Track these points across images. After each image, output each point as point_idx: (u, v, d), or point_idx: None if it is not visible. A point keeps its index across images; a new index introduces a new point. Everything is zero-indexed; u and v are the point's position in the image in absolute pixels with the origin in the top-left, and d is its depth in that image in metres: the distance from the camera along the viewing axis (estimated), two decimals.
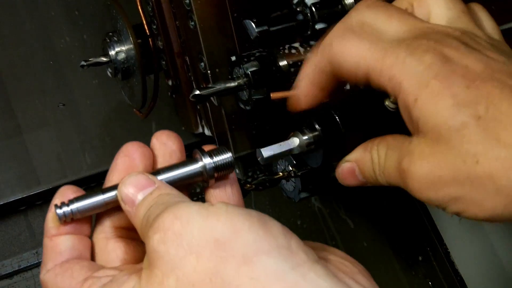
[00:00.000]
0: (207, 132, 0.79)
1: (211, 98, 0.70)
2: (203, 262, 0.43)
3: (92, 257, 0.52)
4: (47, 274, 0.49)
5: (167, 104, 0.91)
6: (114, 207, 0.51)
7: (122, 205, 0.49)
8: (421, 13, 0.53)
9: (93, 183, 0.91)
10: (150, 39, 0.76)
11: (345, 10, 0.64)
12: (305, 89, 0.56)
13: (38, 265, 0.89)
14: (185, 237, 0.43)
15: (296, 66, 0.64)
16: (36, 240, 0.90)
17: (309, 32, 0.66)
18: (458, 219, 0.91)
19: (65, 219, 0.50)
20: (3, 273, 0.87)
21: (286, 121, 0.60)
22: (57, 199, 0.51)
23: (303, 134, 0.57)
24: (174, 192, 0.49)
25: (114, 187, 0.50)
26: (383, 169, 0.52)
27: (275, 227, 0.45)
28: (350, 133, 0.56)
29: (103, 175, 0.54)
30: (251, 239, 0.43)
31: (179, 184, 0.51)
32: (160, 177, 0.51)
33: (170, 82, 0.79)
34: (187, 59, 0.74)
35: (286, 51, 0.65)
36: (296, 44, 0.66)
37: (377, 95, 0.53)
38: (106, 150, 0.91)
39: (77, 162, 0.90)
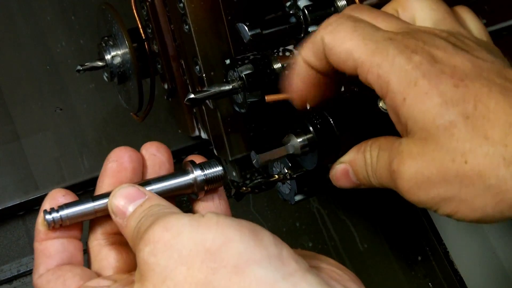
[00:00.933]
0: (203, 135, 0.79)
1: (207, 101, 0.70)
2: (194, 272, 0.43)
3: (89, 263, 0.52)
4: (39, 279, 0.49)
5: (164, 108, 0.91)
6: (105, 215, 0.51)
7: (113, 217, 0.49)
8: (406, 17, 0.54)
9: (91, 187, 0.90)
10: (145, 43, 0.76)
11: (337, 12, 0.64)
12: (296, 89, 0.55)
13: None
14: (175, 248, 0.43)
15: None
16: None
17: (302, 35, 0.66)
18: None
19: (54, 225, 0.50)
20: (3, 278, 0.87)
21: (282, 123, 0.60)
22: (47, 203, 0.51)
23: (298, 136, 0.57)
24: (164, 203, 0.49)
25: (105, 195, 0.50)
26: (375, 170, 0.52)
27: (266, 237, 0.45)
28: (344, 135, 0.56)
29: None
30: (242, 249, 0.43)
31: (169, 195, 0.51)
32: (150, 188, 0.51)
33: (166, 86, 0.79)
34: (183, 62, 0.74)
35: (280, 53, 0.65)
36: (290, 47, 0.66)
37: (370, 98, 0.53)
38: (104, 153, 0.89)
39: (75, 166, 0.90)
